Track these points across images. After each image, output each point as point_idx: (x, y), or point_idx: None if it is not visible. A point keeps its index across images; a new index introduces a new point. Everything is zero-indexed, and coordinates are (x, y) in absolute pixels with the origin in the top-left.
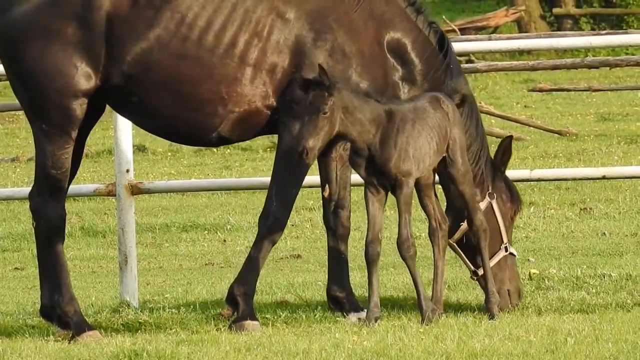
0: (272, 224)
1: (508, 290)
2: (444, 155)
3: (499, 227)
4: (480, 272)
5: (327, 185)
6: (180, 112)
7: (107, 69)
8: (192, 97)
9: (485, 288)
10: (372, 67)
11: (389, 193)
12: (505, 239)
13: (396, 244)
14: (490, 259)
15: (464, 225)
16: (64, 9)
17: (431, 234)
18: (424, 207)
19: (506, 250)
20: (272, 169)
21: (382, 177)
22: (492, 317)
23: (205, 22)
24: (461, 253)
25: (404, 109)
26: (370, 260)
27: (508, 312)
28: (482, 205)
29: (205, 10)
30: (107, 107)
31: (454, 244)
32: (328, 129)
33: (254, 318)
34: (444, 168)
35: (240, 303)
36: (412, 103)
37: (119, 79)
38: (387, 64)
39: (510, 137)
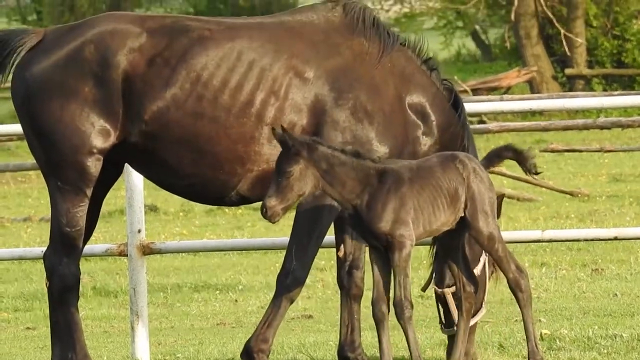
0: (291, 282)
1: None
2: (461, 215)
3: (485, 287)
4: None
5: (342, 246)
6: (199, 171)
7: (125, 127)
8: (209, 155)
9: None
10: (393, 125)
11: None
12: (485, 298)
13: (393, 306)
14: (474, 316)
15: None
16: (82, 67)
17: (455, 296)
18: (449, 267)
19: (482, 307)
20: (291, 227)
21: (373, 238)
22: None
23: (221, 81)
24: (453, 304)
25: (401, 169)
26: (377, 320)
27: None
28: (480, 265)
29: (220, 69)
30: None
31: (448, 293)
32: (296, 189)
33: None
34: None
35: None
36: (416, 163)
37: (137, 137)
38: (408, 120)
39: (503, 195)
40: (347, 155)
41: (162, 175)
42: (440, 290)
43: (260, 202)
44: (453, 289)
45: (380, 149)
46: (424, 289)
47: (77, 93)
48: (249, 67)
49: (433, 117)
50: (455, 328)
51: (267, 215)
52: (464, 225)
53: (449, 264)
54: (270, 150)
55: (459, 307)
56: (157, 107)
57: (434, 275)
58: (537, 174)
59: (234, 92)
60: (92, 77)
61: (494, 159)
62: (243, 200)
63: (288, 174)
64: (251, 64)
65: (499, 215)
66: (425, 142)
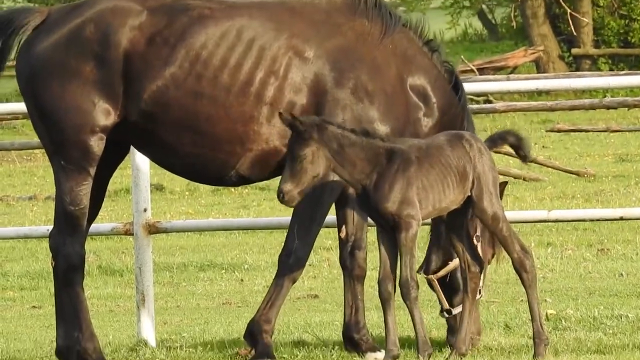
0: (293, 262)
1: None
2: (467, 195)
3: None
4: (455, 311)
5: (343, 226)
6: (198, 151)
7: (126, 106)
8: (208, 135)
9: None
10: (394, 105)
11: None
12: (481, 282)
13: (399, 286)
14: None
15: (452, 264)
16: (83, 46)
17: (461, 276)
18: (453, 247)
19: (479, 293)
20: (293, 208)
21: (380, 218)
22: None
23: (220, 60)
24: (439, 289)
25: (410, 148)
26: (383, 299)
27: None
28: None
29: (220, 48)
30: None
31: (434, 280)
32: (309, 172)
33: (272, 356)
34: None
35: (258, 340)
36: (425, 142)
37: (137, 117)
38: (409, 101)
39: (505, 183)
40: (357, 135)
41: (162, 154)
42: (426, 277)
43: (261, 182)
44: (439, 274)
45: (382, 129)
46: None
47: (78, 72)
48: (249, 46)
49: (434, 99)
50: (445, 314)
51: (285, 200)
52: (468, 204)
53: (453, 244)
54: (270, 130)
55: (464, 287)
56: (157, 86)
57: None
58: (530, 161)
59: (233, 71)
60: (93, 56)
61: (497, 140)
62: (243, 180)
63: (301, 158)
64: (251, 43)
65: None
66: (426, 124)
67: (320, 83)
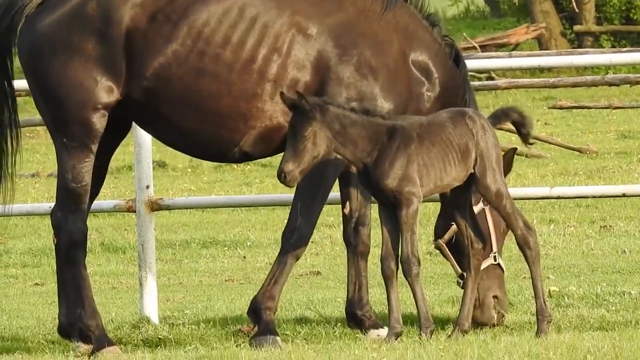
0: (296, 239)
1: (496, 298)
2: (470, 172)
3: (490, 235)
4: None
5: (347, 203)
6: (201, 128)
7: (128, 83)
8: (211, 112)
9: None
10: (397, 81)
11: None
12: (494, 248)
13: (400, 263)
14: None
15: (455, 226)
16: (85, 23)
17: (464, 253)
18: (456, 224)
19: (495, 260)
20: (296, 185)
21: (381, 195)
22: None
23: (223, 37)
24: (449, 254)
25: (411, 125)
26: (386, 277)
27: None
28: (476, 209)
29: (222, 25)
30: None
31: (443, 245)
32: (311, 151)
33: (275, 333)
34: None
35: (262, 317)
36: (426, 119)
37: (140, 94)
38: (412, 76)
39: (515, 149)
40: (357, 114)
41: (165, 132)
42: (435, 243)
43: (264, 159)
44: (445, 237)
45: (385, 106)
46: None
47: (80, 50)
48: (251, 24)
49: (436, 74)
50: (459, 279)
51: (286, 180)
52: (471, 181)
53: (455, 221)
54: (273, 107)
55: (467, 264)
56: (159, 63)
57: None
58: (530, 144)
59: (235, 48)
60: (95, 33)
61: (500, 117)
62: (246, 157)
63: (303, 138)
64: (253, 20)
65: (510, 169)
66: (429, 99)
67: (323, 60)
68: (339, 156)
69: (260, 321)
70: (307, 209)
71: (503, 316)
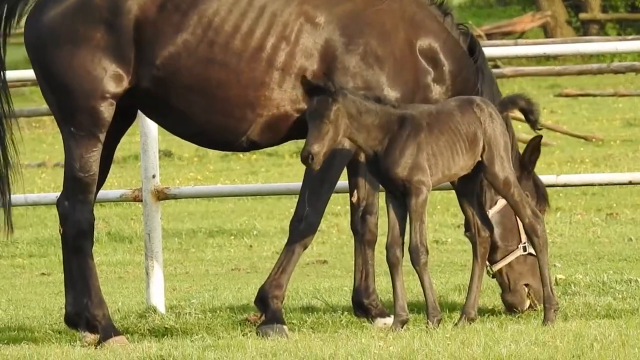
0: (304, 228)
1: (528, 287)
2: (478, 160)
3: (517, 225)
4: (495, 268)
5: (355, 191)
6: (210, 117)
7: (137, 72)
8: (220, 101)
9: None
10: (403, 70)
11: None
12: (523, 239)
13: (408, 252)
14: (505, 257)
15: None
16: (92, 13)
17: (470, 241)
18: (463, 212)
19: (524, 250)
20: (303, 174)
21: (390, 184)
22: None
23: (232, 27)
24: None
25: (420, 114)
26: (391, 265)
27: (528, 313)
28: (503, 201)
29: (232, 14)
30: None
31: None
32: (332, 134)
33: (282, 322)
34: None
35: (269, 306)
36: (435, 108)
37: (149, 83)
38: (419, 66)
39: (540, 137)
40: (370, 102)
41: (173, 121)
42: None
43: (270, 148)
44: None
45: (392, 95)
46: None
47: (88, 39)
48: (260, 13)
49: (444, 63)
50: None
51: (313, 162)
52: (479, 170)
53: (463, 209)
54: (281, 95)
55: (473, 252)
56: (169, 52)
57: None
58: (538, 129)
59: (244, 37)
60: (103, 23)
61: (508, 104)
62: (254, 145)
63: (328, 120)
64: (262, 9)
65: (537, 156)
66: (437, 89)
67: (331, 49)
68: (349, 143)
69: (267, 310)
70: (315, 197)
71: (535, 306)
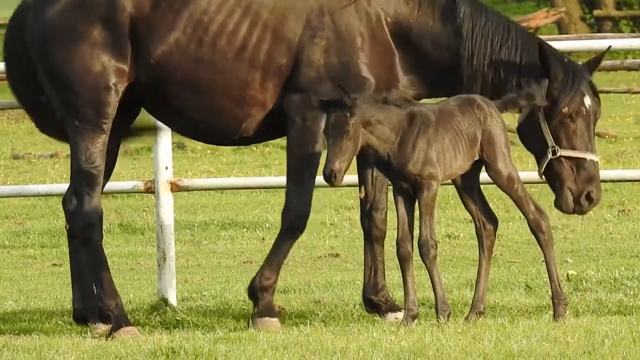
0: (293, 218)
1: (570, 190)
2: (476, 159)
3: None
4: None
5: (363, 187)
6: (202, 116)
7: (135, 68)
8: (210, 100)
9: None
10: (373, 57)
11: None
12: (549, 143)
13: (417, 246)
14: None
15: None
16: (90, 10)
17: (476, 234)
18: (466, 208)
19: (554, 154)
20: (285, 167)
21: (402, 180)
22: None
23: (219, 26)
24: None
25: (428, 112)
26: (402, 259)
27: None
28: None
29: (220, 13)
30: None
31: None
32: (352, 148)
33: (273, 315)
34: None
35: (259, 298)
36: (437, 107)
37: (146, 80)
38: (387, 48)
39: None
40: (381, 105)
41: (169, 117)
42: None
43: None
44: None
45: (367, 83)
46: None
47: (87, 36)
48: (245, 12)
49: (415, 42)
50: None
51: (336, 179)
52: (479, 165)
53: (466, 205)
54: (264, 95)
55: (479, 246)
56: (162, 51)
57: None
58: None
59: (230, 37)
60: (101, 20)
61: (508, 104)
62: (249, 140)
63: (347, 134)
64: (247, 9)
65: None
66: (407, 66)
67: (299, 44)
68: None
69: (258, 302)
70: (299, 187)
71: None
